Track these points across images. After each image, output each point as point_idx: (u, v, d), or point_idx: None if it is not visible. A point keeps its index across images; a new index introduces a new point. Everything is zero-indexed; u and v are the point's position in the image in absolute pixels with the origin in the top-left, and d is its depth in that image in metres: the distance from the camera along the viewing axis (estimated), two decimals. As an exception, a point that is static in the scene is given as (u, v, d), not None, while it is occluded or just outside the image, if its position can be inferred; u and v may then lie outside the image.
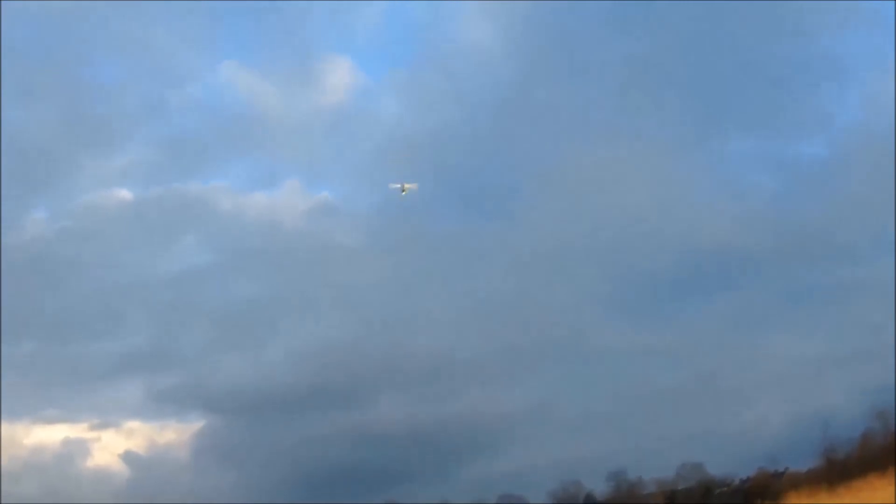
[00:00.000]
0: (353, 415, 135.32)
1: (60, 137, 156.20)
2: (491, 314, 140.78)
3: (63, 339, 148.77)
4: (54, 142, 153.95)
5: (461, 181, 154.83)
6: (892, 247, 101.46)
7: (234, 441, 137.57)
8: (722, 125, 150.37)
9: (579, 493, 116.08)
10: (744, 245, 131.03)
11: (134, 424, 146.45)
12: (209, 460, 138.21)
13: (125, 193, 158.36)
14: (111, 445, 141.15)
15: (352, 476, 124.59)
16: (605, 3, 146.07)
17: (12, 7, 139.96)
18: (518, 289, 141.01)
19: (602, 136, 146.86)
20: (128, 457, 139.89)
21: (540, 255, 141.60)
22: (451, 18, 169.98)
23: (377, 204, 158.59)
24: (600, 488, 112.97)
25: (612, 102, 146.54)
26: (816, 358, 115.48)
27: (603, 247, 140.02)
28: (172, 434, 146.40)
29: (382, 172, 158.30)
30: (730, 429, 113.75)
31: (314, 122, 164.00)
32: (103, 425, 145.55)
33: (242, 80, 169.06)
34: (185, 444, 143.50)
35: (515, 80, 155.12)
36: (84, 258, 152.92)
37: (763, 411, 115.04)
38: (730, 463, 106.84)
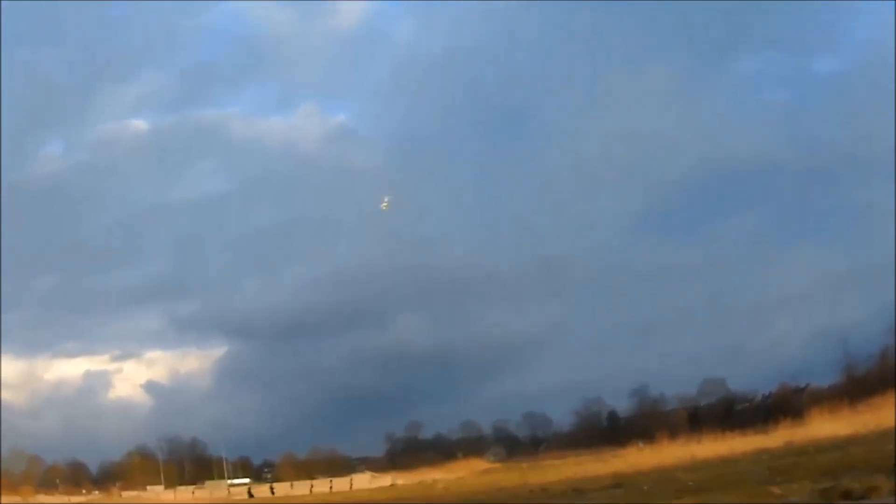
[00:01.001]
0: (376, 337, 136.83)
1: (73, 71, 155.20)
2: (512, 234, 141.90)
3: (81, 272, 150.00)
4: (67, 75, 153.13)
5: (480, 100, 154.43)
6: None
7: (256, 366, 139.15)
8: (738, 43, 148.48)
9: (602, 411, 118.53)
10: (763, 163, 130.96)
11: (155, 354, 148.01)
12: (232, 386, 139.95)
13: (140, 124, 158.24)
14: (133, 376, 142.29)
15: (375, 398, 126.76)
16: None
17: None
18: (540, 208, 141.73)
19: (622, 55, 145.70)
20: (150, 387, 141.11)
21: (561, 175, 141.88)
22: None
23: (395, 126, 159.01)
24: (623, 405, 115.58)
25: (631, 22, 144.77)
26: (836, 275, 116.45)
27: (624, 166, 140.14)
28: (194, 362, 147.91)
29: (399, 94, 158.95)
30: (751, 345, 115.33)
31: (329, 45, 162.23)
32: (124, 356, 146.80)
33: (255, 4, 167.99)
34: (207, 371, 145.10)
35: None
36: (100, 190, 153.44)
37: (784, 328, 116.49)
38: (751, 379, 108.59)
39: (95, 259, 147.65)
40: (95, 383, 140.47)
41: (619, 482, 37.51)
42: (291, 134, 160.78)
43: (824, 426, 55.09)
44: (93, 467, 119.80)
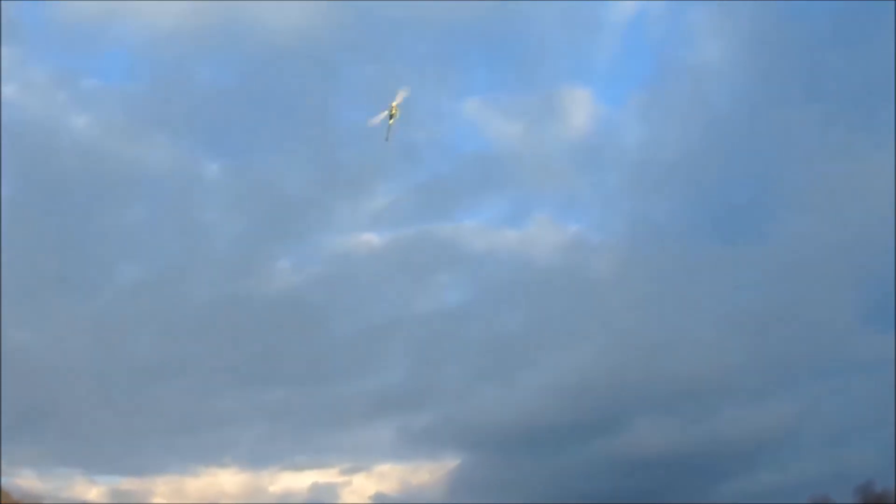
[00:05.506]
0: (611, 442, 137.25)
1: (309, 186, 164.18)
2: (744, 333, 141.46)
3: (315, 384, 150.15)
4: (303, 190, 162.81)
5: (710, 202, 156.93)
6: None
7: (490, 478, 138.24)
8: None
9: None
10: None
11: (385, 467, 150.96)
12: (464, 497, 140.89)
13: (374, 238, 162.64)
14: (361, 489, 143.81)
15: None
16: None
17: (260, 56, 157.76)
18: (771, 306, 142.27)
19: (842, 151, 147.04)
20: (379, 499, 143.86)
21: (791, 272, 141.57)
22: (684, 39, 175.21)
23: (628, 232, 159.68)
24: (848, 501, 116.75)
25: (850, 116, 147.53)
26: None
27: (852, 261, 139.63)
28: (426, 475, 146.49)
29: (632, 200, 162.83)
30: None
31: (560, 155, 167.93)
32: (354, 469, 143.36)
33: (485, 117, 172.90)
34: (438, 483, 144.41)
35: (753, 96, 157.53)
36: (334, 303, 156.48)
37: None
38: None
39: (328, 372, 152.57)
40: (322, 495, 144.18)
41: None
42: (526, 245, 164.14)
43: None
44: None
